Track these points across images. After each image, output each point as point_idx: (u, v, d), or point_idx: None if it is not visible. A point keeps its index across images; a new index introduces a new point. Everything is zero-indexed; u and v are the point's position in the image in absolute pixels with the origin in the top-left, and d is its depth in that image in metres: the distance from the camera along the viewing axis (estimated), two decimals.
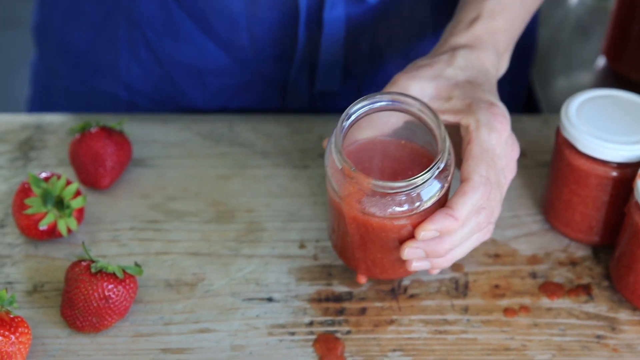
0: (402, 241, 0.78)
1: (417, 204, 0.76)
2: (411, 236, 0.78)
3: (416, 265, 0.79)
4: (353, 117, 0.78)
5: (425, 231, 0.76)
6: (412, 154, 0.81)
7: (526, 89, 1.20)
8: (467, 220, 0.77)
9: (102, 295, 0.79)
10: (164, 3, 0.99)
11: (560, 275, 0.89)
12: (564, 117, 0.87)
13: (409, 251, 0.78)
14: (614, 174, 0.85)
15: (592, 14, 1.34)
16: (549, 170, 0.92)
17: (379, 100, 0.78)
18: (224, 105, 1.07)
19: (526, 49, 1.12)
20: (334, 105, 1.06)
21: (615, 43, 1.19)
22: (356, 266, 0.84)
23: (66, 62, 1.10)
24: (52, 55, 1.12)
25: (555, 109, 1.17)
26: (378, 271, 0.83)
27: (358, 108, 0.78)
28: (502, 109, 0.80)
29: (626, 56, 1.18)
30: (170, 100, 1.07)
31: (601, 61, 1.24)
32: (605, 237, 0.90)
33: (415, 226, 0.77)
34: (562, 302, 0.86)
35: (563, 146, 0.87)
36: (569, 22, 1.34)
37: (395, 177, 0.80)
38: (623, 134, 0.85)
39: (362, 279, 0.85)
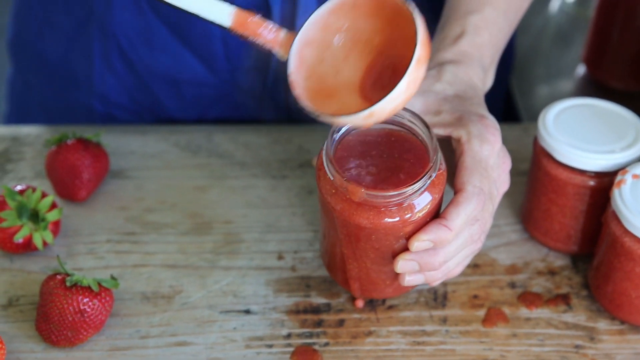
0: (395, 255, 0.77)
1: (409, 215, 0.75)
2: (405, 249, 0.77)
3: (409, 279, 0.78)
4: (343, 130, 0.77)
5: (419, 241, 0.75)
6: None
7: (504, 97, 1.20)
8: (461, 231, 0.76)
9: (77, 309, 0.79)
10: (139, 11, 0.98)
11: (539, 285, 0.88)
12: (541, 127, 0.86)
13: (402, 264, 0.77)
14: (592, 183, 0.85)
15: (572, 22, 1.34)
16: (528, 179, 0.92)
17: None
18: (201, 115, 1.06)
19: (504, 57, 1.12)
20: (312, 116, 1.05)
21: (595, 51, 1.19)
22: (350, 284, 0.83)
23: (41, 75, 1.09)
24: (28, 68, 1.11)
25: (536, 117, 1.15)
26: (372, 288, 0.82)
27: None
28: (493, 121, 0.80)
29: (606, 64, 1.18)
30: (146, 111, 1.06)
31: (581, 69, 1.24)
32: (583, 247, 0.90)
33: (409, 238, 0.76)
34: (541, 312, 0.86)
35: (541, 155, 0.87)
36: (549, 30, 1.34)
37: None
38: (600, 143, 0.85)
39: (360, 303, 0.85)
